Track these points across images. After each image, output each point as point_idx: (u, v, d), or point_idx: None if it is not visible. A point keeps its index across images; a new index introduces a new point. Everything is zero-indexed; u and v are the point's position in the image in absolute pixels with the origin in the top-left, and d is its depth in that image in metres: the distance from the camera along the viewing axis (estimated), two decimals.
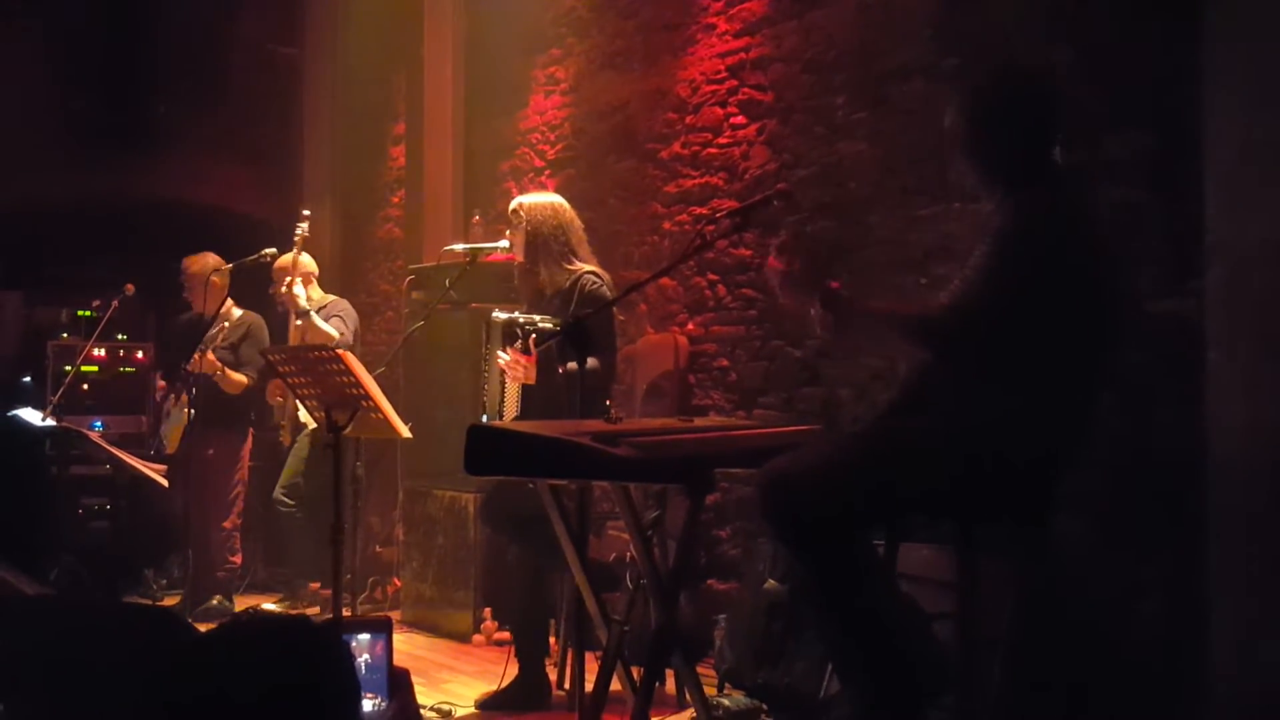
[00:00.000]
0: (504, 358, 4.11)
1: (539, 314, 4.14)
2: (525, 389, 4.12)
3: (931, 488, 2.69)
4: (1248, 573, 3.15)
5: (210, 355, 5.67)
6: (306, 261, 6.02)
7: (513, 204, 4.38)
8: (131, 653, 2.12)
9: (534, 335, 3.98)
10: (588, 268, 4.22)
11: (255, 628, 1.63)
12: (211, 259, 6.05)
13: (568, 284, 4.16)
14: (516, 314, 4.19)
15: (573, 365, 3.99)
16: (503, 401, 4.22)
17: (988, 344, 2.66)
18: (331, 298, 6.15)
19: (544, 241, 4.24)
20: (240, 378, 5.83)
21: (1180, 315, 3.44)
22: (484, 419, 4.38)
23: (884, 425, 2.87)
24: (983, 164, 2.89)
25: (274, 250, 5.63)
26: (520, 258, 4.32)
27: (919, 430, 2.73)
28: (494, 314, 4.29)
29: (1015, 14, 3.98)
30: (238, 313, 6.01)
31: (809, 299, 2.84)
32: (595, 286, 4.15)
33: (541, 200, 4.34)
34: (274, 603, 5.88)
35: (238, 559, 6.00)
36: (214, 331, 5.79)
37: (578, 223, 4.33)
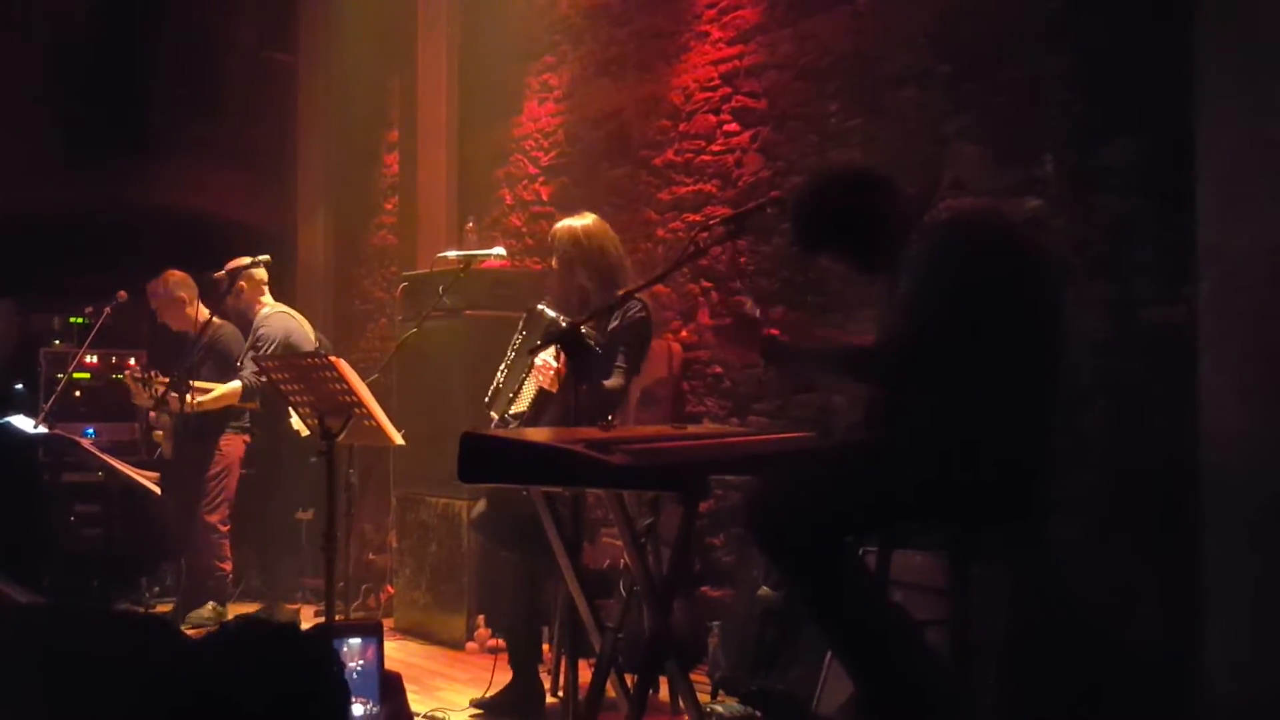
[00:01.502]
0: (545, 358, 4.03)
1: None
2: (541, 399, 4.10)
3: (906, 497, 2.71)
4: (1243, 578, 3.15)
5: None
6: (256, 271, 5.86)
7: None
8: (124, 661, 2.12)
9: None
10: (633, 291, 4.13)
11: (244, 635, 1.62)
12: (173, 277, 6.02)
13: (611, 304, 3.99)
14: (561, 316, 4.13)
15: (608, 384, 4.00)
16: (515, 396, 4.20)
17: (930, 364, 2.68)
18: (274, 311, 5.93)
19: (570, 269, 4.23)
20: (220, 389, 5.79)
21: (1174, 322, 3.45)
22: (486, 401, 4.36)
23: (854, 440, 2.90)
24: (874, 261, 2.95)
25: (267, 257, 5.61)
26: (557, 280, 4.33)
27: (890, 441, 2.75)
28: (541, 306, 4.24)
29: (1008, 21, 3.99)
30: (217, 321, 5.97)
31: (747, 351, 2.88)
32: (638, 315, 4.12)
33: (568, 226, 4.27)
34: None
35: (227, 565, 5.87)
36: (194, 352, 5.77)
37: (609, 246, 4.24)
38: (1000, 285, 2.72)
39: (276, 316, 5.87)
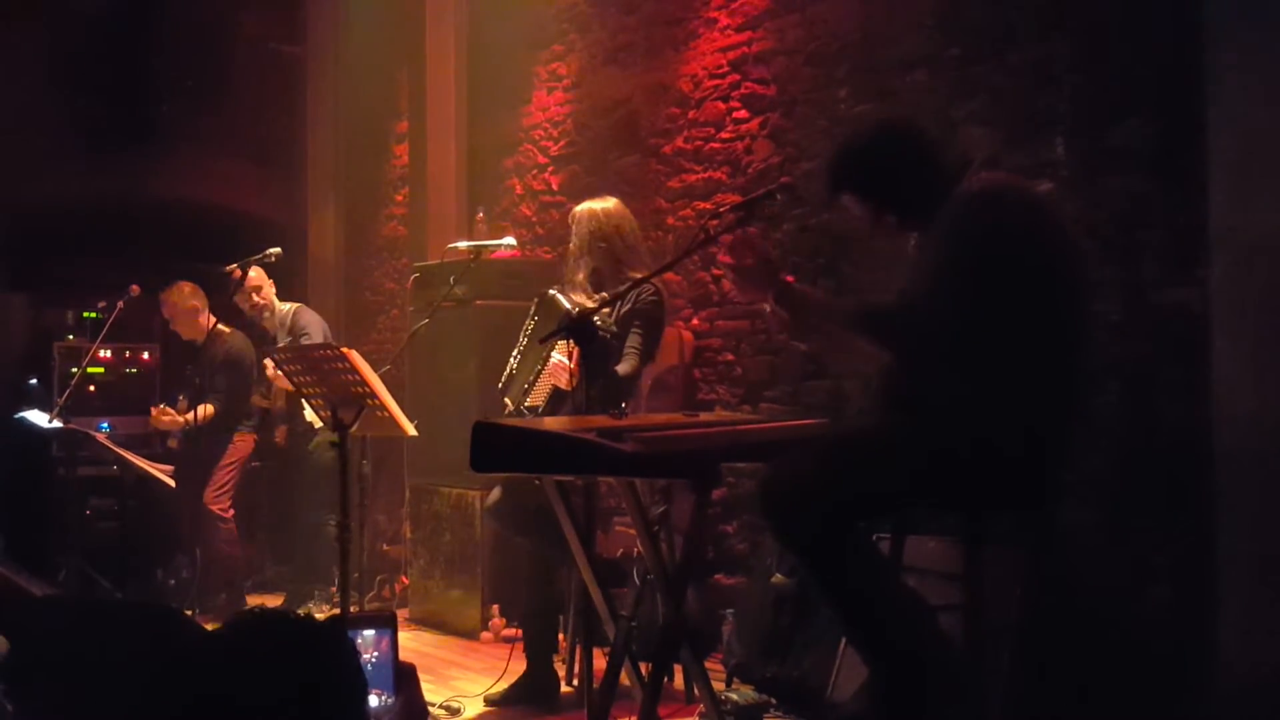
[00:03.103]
0: (558, 358, 4.00)
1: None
2: (556, 396, 4.07)
3: (919, 481, 2.70)
4: (1254, 561, 3.15)
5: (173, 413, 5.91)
6: (256, 276, 5.98)
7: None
8: (139, 653, 2.13)
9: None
10: (645, 277, 4.00)
11: (260, 626, 1.62)
12: (187, 287, 6.13)
13: (622, 289, 3.95)
14: (572, 305, 4.06)
15: (621, 369, 3.99)
16: (530, 389, 4.18)
17: (950, 336, 2.66)
18: (298, 306, 6.07)
19: (586, 249, 4.22)
20: (207, 410, 5.90)
21: (1186, 304, 3.44)
22: (500, 386, 4.35)
23: (872, 422, 2.89)
24: (897, 215, 2.92)
25: (278, 250, 5.62)
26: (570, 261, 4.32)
27: (903, 424, 2.74)
28: (552, 291, 4.21)
29: (1017, 2, 3.97)
30: (225, 330, 6.08)
31: (763, 294, 2.87)
32: (651, 299, 4.12)
33: (588, 208, 4.29)
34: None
35: (237, 551, 6.00)
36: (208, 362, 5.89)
37: (625, 229, 4.25)
38: (1028, 261, 2.69)
39: (305, 311, 6.06)
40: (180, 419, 5.89)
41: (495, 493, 4.29)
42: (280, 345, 5.88)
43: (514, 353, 4.34)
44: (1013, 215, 2.75)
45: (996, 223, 2.71)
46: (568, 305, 4.09)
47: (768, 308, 2.90)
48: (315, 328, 5.96)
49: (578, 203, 4.43)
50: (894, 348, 2.84)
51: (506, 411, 4.28)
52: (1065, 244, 2.84)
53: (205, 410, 5.87)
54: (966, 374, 2.66)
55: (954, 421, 2.66)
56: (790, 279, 2.86)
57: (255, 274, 5.98)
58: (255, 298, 6.01)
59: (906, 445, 2.70)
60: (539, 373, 4.16)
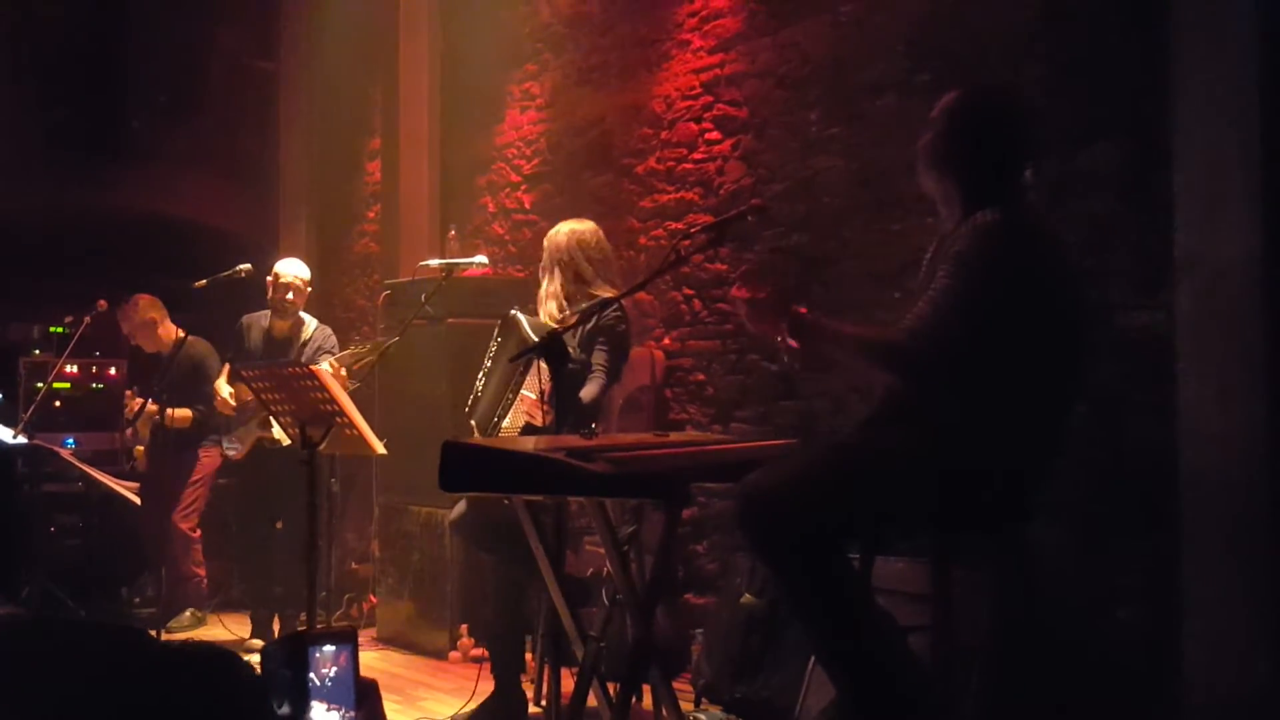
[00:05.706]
0: (529, 394, 3.95)
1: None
2: (527, 429, 4.02)
3: (908, 500, 2.69)
4: (1220, 580, 3.17)
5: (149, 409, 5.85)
6: (292, 274, 5.78)
7: None
8: (99, 673, 2.10)
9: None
10: (610, 295, 3.99)
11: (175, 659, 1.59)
12: (143, 300, 6.11)
13: (586, 310, 3.97)
14: (534, 328, 3.99)
15: (585, 395, 3.97)
16: (498, 420, 4.13)
17: (955, 361, 2.67)
18: (315, 324, 6.01)
19: (556, 270, 4.22)
20: (185, 412, 5.83)
21: (1152, 327, 3.47)
22: (466, 409, 4.31)
23: (860, 438, 2.87)
24: (949, 178, 2.89)
25: (249, 266, 5.58)
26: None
27: (895, 443, 2.73)
28: (514, 312, 4.14)
29: (989, 29, 4.00)
30: (190, 339, 6.00)
31: (776, 326, 2.85)
32: (614, 319, 4.11)
33: (561, 229, 4.27)
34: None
35: (202, 570, 5.96)
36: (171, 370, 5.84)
37: (590, 248, 4.23)
38: (1037, 295, 2.70)
39: (326, 332, 5.80)
40: (152, 408, 5.77)
41: (460, 506, 4.26)
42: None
43: (480, 374, 4.31)
44: (1020, 247, 2.74)
45: (1003, 254, 2.70)
46: (529, 329, 4.06)
47: (780, 340, 2.87)
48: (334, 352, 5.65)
49: (550, 221, 4.44)
50: (899, 378, 2.83)
51: (473, 435, 4.25)
52: (1069, 276, 2.84)
53: (185, 414, 5.79)
54: (964, 396, 2.66)
55: (947, 442, 2.65)
56: (803, 310, 2.84)
57: (146, 301, 5.99)
58: (159, 330, 6.02)
59: (899, 463, 2.69)
60: (510, 402, 4.13)
